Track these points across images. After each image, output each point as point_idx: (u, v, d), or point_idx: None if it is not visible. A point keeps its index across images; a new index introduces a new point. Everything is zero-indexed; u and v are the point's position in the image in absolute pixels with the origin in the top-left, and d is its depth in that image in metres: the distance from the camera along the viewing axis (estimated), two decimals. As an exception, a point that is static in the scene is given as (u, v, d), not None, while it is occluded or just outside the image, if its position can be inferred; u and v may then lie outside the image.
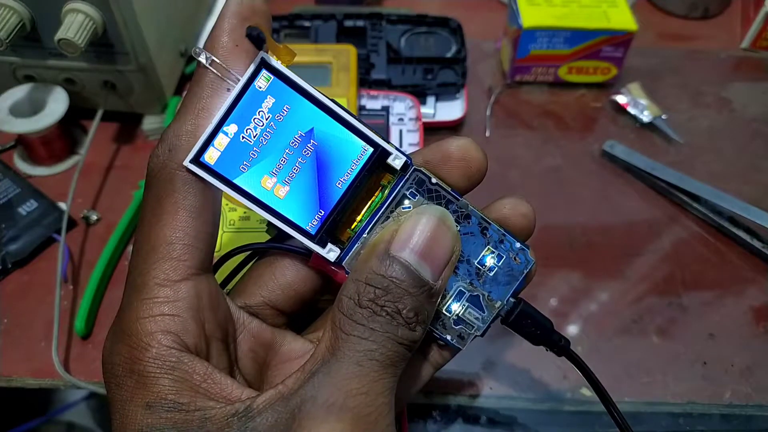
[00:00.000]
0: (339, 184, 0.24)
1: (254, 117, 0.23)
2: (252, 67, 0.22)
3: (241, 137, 0.23)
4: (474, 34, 0.59)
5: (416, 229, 0.22)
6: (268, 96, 0.23)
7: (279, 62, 0.22)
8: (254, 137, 0.23)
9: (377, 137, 0.24)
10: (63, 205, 0.45)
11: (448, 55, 0.55)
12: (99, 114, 0.48)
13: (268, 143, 0.23)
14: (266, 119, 0.23)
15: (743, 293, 0.44)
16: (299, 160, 0.23)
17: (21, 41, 0.44)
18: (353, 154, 0.24)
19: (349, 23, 0.56)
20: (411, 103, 0.50)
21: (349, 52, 0.49)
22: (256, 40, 0.21)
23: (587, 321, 0.43)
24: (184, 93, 0.26)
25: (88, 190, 0.48)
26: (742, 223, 0.47)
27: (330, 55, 0.48)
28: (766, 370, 0.40)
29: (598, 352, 0.41)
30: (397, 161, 0.24)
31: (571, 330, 0.42)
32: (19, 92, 0.47)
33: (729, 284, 0.45)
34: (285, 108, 0.23)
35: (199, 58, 0.22)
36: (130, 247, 0.45)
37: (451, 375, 0.40)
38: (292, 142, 0.23)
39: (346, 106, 0.45)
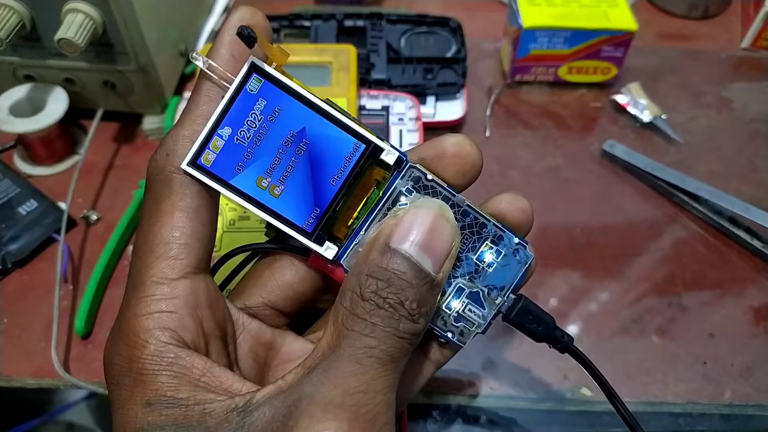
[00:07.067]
0: (333, 181, 0.24)
1: (247, 119, 0.23)
2: (243, 71, 0.23)
3: (235, 139, 0.23)
4: (474, 34, 0.59)
5: (416, 222, 0.22)
6: (260, 98, 0.23)
7: (271, 65, 0.23)
8: (248, 139, 0.23)
9: (368, 133, 0.24)
10: (63, 205, 0.45)
11: (448, 55, 0.55)
12: (99, 114, 0.48)
13: (261, 144, 0.23)
14: (259, 121, 0.23)
15: (743, 293, 0.44)
16: (293, 159, 0.24)
17: (21, 41, 0.44)
18: (345, 151, 0.24)
19: (349, 23, 0.56)
20: (411, 103, 0.50)
21: (349, 52, 0.49)
22: (247, 39, 0.21)
23: (587, 321, 0.43)
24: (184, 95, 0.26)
25: (88, 190, 0.48)
26: (742, 223, 0.47)
27: (330, 55, 0.48)
28: (766, 370, 0.40)
29: (598, 352, 0.41)
30: (389, 156, 0.24)
31: (571, 330, 0.42)
32: (19, 92, 0.47)
33: (729, 284, 0.45)
34: (276, 109, 0.23)
35: (197, 63, 0.22)
36: (130, 247, 0.45)
37: (451, 375, 0.40)
38: (285, 142, 0.23)
39: (345, 106, 0.45)
